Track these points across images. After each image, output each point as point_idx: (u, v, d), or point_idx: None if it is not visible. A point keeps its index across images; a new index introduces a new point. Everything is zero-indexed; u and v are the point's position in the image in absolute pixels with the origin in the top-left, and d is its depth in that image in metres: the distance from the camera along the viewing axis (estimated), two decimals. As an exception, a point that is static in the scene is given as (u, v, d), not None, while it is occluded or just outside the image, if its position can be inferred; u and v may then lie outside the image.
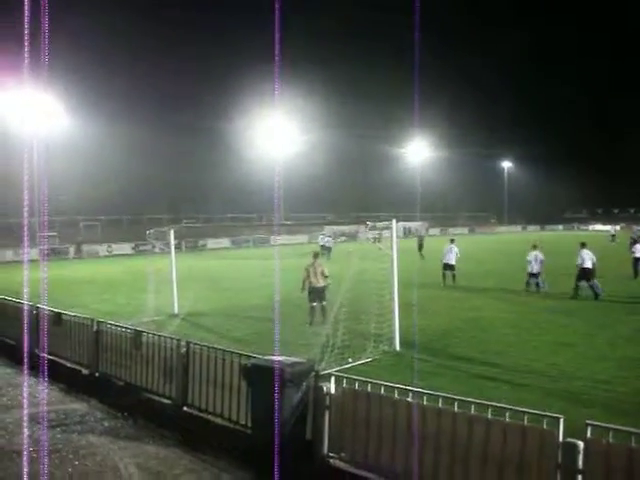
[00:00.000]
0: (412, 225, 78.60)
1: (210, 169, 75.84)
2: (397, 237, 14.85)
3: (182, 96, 75.39)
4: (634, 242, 39.70)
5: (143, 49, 69.81)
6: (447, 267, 26.38)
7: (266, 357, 8.73)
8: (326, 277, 17.54)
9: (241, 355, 9.26)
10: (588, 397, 10.78)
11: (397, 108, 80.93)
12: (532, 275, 23.92)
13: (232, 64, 76.74)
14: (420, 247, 43.05)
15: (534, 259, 23.83)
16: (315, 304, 17.48)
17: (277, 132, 68.94)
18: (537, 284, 23.81)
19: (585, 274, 22.15)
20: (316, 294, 17.50)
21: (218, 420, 9.51)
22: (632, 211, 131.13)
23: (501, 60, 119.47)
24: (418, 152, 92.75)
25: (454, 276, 26.29)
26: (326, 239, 46.63)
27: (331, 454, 7.96)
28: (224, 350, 9.72)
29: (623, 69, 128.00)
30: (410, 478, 7.09)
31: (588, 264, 22.21)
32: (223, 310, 21.07)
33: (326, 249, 43.08)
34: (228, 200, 75.50)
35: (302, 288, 17.90)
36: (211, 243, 65.40)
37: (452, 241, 27.66)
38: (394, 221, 14.54)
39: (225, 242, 67.21)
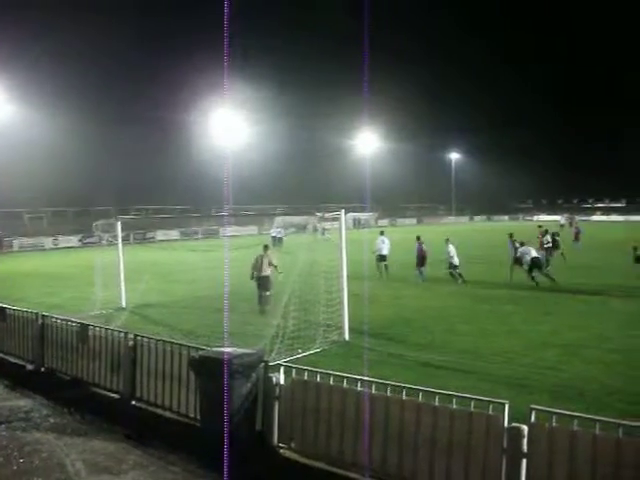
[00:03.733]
0: (362, 216, 78.93)
1: (159, 160, 74.62)
2: (347, 228, 14.91)
3: (131, 86, 73.99)
4: (578, 233, 41.03)
5: (91, 38, 68.15)
6: (380, 258, 26.62)
7: (215, 348, 8.68)
8: (275, 267, 17.74)
9: (189, 347, 9.19)
10: (533, 383, 11.02)
11: (347, 100, 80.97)
12: (453, 266, 24.52)
13: (181, 55, 75.55)
14: None
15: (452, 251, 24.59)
16: (261, 293, 17.76)
17: (227, 123, 68.38)
18: (452, 274, 24.47)
19: (533, 264, 23.03)
20: (261, 283, 17.78)
21: (167, 413, 9.44)
22: (575, 202, 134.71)
23: (449, 52, 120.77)
24: (368, 143, 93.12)
25: (386, 267, 26.40)
26: (277, 230, 46.60)
27: (281, 444, 7.98)
28: (172, 342, 9.63)
29: (570, 61, 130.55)
30: (359, 466, 7.16)
31: (533, 253, 23.14)
32: (172, 302, 20.87)
33: (277, 240, 43.07)
34: (177, 191, 74.54)
35: (251, 276, 18.11)
36: (160, 235, 64.60)
37: (382, 233, 27.78)
38: (343, 212, 14.60)
39: (174, 234, 66.52)
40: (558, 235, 31.80)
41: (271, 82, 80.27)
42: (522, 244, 23.94)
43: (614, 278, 24.28)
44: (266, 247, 18.67)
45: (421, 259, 24.96)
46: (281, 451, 7.92)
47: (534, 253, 23.24)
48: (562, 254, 30.64)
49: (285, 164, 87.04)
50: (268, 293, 17.58)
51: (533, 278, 22.87)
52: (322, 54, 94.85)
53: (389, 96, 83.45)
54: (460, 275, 24.21)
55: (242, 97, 68.27)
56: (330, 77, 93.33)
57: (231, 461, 7.26)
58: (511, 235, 24.90)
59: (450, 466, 6.55)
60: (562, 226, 62.73)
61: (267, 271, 17.65)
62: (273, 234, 46.22)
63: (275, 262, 17.79)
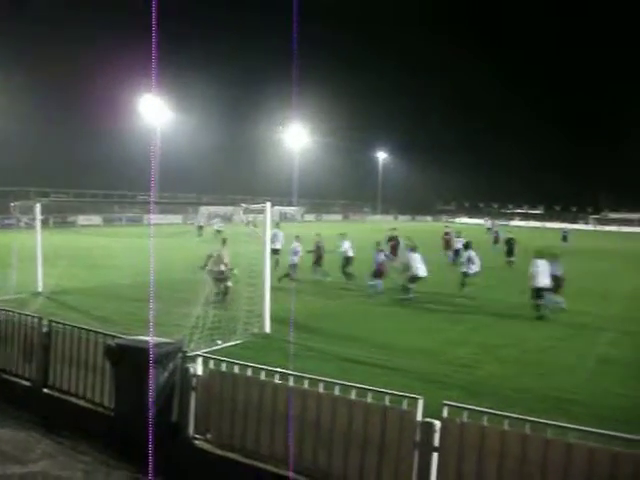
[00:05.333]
0: (288, 210, 79.06)
1: (82, 143, 72.73)
2: (273, 221, 14.90)
3: (56, 65, 71.55)
4: (497, 237, 42.22)
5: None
6: (273, 252, 23.61)
7: (132, 337, 8.53)
8: (227, 267, 18.13)
9: (106, 335, 8.98)
10: (448, 379, 11.33)
11: (278, 94, 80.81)
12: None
13: (111, 37, 73.66)
14: None
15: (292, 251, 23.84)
16: (220, 285, 17.83)
17: (154, 110, 67.17)
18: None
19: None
20: (218, 277, 17.79)
21: (80, 402, 9.20)
22: (495, 206, 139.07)
23: (382, 52, 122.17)
24: (297, 139, 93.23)
25: (277, 261, 24.94)
26: (215, 221, 45.88)
27: (197, 436, 7.91)
28: (88, 330, 9.38)
29: (496, 63, 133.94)
30: (275, 459, 7.18)
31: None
32: (90, 289, 20.40)
33: (217, 231, 42.80)
34: (101, 176, 72.74)
35: (202, 267, 18.25)
36: (81, 220, 63.00)
37: (277, 225, 26.47)
38: (268, 204, 14.55)
39: (96, 219, 64.99)
40: (514, 240, 32.82)
41: (202, 72, 79.34)
42: (413, 249, 21.54)
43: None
44: (224, 241, 18.99)
45: (379, 272, 21.88)
46: (196, 442, 7.85)
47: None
48: (511, 261, 31.71)
49: (213, 154, 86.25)
50: (229, 284, 17.83)
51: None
52: (255, 47, 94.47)
53: (320, 92, 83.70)
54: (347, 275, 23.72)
55: (172, 84, 67.19)
56: (261, 70, 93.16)
57: (144, 452, 7.15)
58: (378, 244, 23.00)
59: (364, 459, 6.63)
60: (489, 229, 64.23)
61: (222, 266, 17.94)
62: (200, 223, 45.77)
63: (226, 260, 18.15)
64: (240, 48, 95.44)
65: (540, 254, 18.63)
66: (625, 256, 46.28)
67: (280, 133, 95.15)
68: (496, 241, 41.46)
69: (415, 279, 20.17)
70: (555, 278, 18.26)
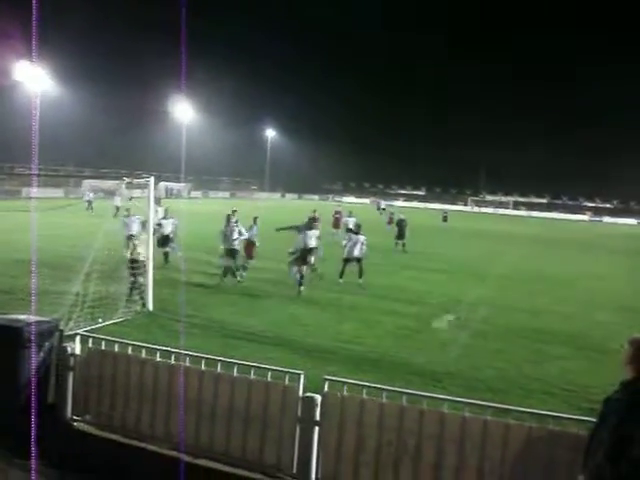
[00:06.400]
0: (174, 186, 77.64)
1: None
2: (159, 197, 14.56)
3: None
4: (392, 217, 42.92)
5: None
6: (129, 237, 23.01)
7: (4, 316, 8.15)
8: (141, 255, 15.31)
9: (-24, 314, 8.53)
10: (331, 355, 11.55)
11: (165, 68, 78.53)
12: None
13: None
14: None
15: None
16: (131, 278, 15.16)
17: (33, 78, 63.76)
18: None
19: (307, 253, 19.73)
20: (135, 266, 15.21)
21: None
22: (381, 187, 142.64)
23: (271, 33, 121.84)
24: (185, 114, 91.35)
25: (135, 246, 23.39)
26: (117, 198, 44.23)
27: (75, 417, 7.68)
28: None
29: (391, 52, 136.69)
30: (157, 438, 7.10)
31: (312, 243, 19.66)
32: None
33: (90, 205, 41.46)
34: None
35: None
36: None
37: (128, 210, 22.63)
38: (152, 179, 14.18)
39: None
40: (405, 222, 32.05)
41: (87, 41, 76.12)
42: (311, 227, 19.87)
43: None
44: (144, 224, 16.40)
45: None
46: (75, 424, 7.61)
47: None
48: (400, 243, 31.61)
49: (96, 127, 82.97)
50: (141, 279, 14.98)
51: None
52: (142, 18, 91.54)
53: (209, 69, 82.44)
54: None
55: (55, 52, 63.92)
56: (150, 44, 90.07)
57: (20, 435, 6.88)
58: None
59: (247, 435, 6.68)
60: (384, 209, 65.28)
61: (136, 254, 15.17)
62: (89, 198, 44.34)
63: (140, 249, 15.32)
64: (126, 19, 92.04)
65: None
66: (499, 237, 48.82)
67: (168, 108, 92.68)
68: (390, 222, 41.75)
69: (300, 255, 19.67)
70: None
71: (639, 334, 4.62)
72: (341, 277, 19.83)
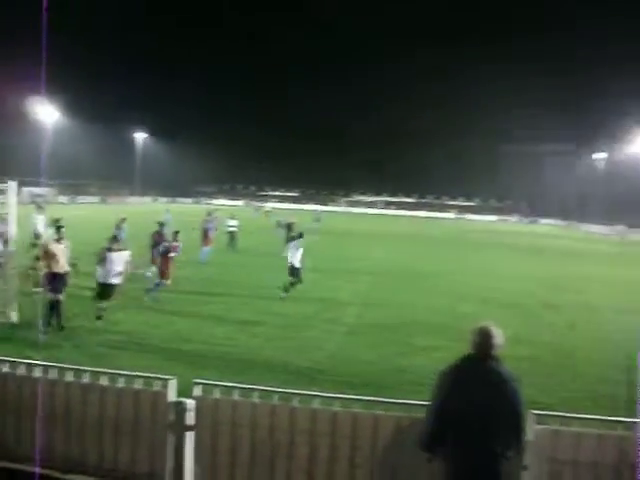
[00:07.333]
0: (39, 191, 73.98)
1: None
2: (22, 204, 13.81)
3: None
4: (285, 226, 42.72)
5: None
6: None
7: None
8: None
9: None
10: (204, 359, 11.47)
11: (26, 68, 74.78)
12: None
13: None
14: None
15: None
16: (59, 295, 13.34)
17: None
18: None
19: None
20: (61, 282, 13.51)
21: None
22: (253, 189, 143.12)
23: (142, 34, 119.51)
24: (49, 116, 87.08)
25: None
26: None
27: None
28: None
29: (262, 54, 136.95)
30: (22, 455, 6.75)
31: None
32: None
33: None
34: None
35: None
36: None
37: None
38: (11, 183, 13.39)
39: None
40: (293, 224, 32.01)
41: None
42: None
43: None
44: (59, 228, 14.21)
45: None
46: None
47: None
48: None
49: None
50: (61, 296, 13.28)
51: None
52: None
53: (75, 67, 79.29)
54: None
55: None
56: (7, 45, 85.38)
57: None
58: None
59: (118, 445, 6.54)
60: (268, 212, 65.35)
61: (66, 267, 13.58)
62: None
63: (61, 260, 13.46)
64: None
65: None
66: (370, 236, 50.29)
67: (29, 110, 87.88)
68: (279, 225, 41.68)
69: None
70: None
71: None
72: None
